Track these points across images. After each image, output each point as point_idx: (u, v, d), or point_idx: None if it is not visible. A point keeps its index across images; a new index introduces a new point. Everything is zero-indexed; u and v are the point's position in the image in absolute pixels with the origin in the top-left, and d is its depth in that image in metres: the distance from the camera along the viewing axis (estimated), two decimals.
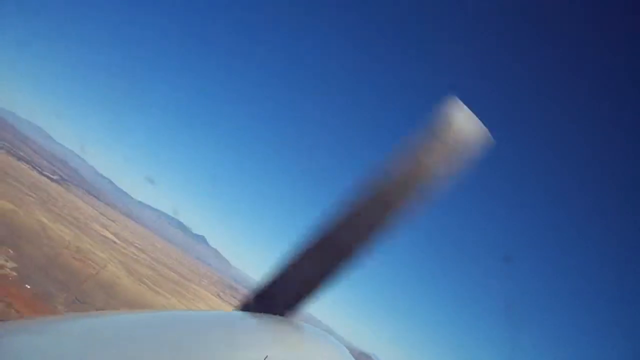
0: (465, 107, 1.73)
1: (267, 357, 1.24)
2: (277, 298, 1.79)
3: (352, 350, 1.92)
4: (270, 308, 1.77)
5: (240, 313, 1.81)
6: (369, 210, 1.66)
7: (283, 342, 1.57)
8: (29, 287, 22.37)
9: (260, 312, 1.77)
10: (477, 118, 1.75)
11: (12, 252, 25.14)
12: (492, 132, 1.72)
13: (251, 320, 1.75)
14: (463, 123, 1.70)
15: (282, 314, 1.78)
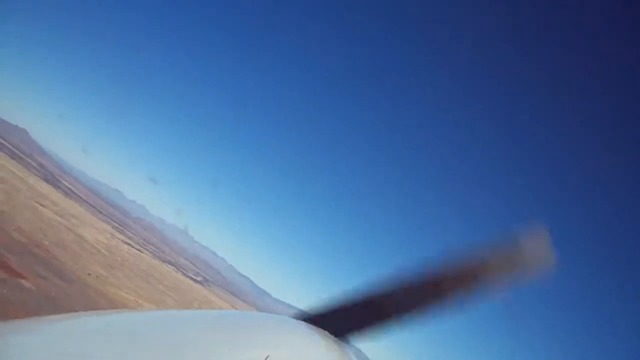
0: (546, 235, 1.98)
1: (268, 356, 1.28)
2: (339, 320, 1.95)
3: (351, 348, 2.05)
4: (328, 326, 1.92)
5: (244, 312, 2.12)
6: (433, 285, 1.93)
7: (285, 342, 1.61)
8: None
9: (320, 326, 1.89)
10: (551, 247, 1.98)
11: None
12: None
13: (253, 320, 1.84)
14: (538, 249, 1.95)
15: (337, 335, 1.91)
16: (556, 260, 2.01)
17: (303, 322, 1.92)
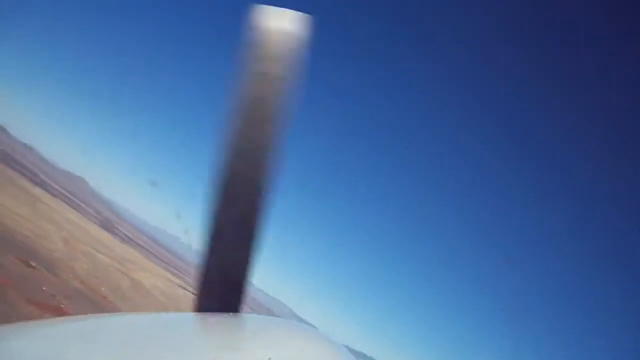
0: (274, 8, 1.82)
1: (270, 359, 1.29)
2: (220, 288, 1.80)
3: (353, 352, 1.96)
4: (217, 300, 1.78)
5: (245, 315, 1.87)
6: (245, 145, 1.72)
7: (285, 344, 1.62)
8: None
9: (212, 309, 1.77)
10: (291, 11, 1.81)
11: None
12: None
13: (253, 323, 1.87)
14: (280, 22, 1.79)
15: (234, 309, 1.81)
16: (307, 18, 1.81)
17: (304, 325, 1.91)
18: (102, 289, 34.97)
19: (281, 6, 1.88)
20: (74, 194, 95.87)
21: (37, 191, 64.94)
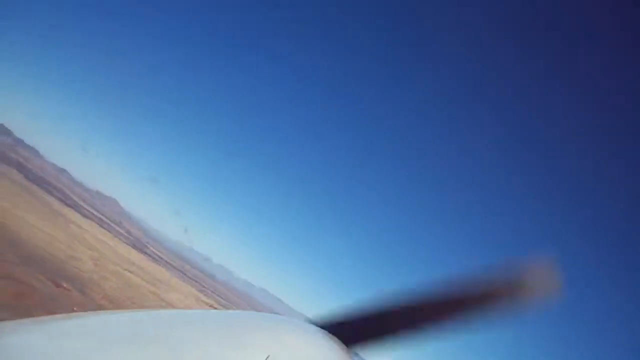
0: (554, 265, 2.06)
1: (269, 357, 1.33)
2: (351, 331, 2.04)
3: (356, 355, 2.13)
4: (340, 335, 2.00)
5: (244, 312, 1.96)
6: (446, 304, 2.04)
7: (285, 342, 1.64)
8: None
9: (333, 333, 1.98)
10: (559, 277, 2.05)
11: None
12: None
13: (253, 320, 1.88)
14: (545, 279, 2.03)
15: (348, 344, 2.00)
16: (562, 289, 2.05)
17: (305, 323, 1.99)
18: (133, 308, 34.86)
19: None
20: (105, 214, 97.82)
21: (69, 212, 66.50)
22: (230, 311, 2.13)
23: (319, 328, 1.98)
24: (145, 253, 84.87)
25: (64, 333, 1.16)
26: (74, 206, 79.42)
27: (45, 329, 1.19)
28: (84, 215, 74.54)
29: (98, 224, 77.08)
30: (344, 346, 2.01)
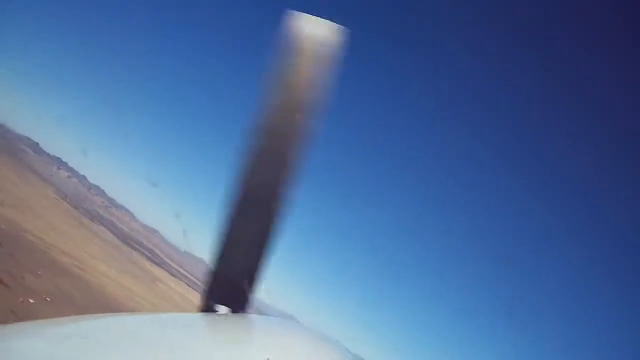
0: (308, 16, 1.90)
1: (268, 359, 1.34)
2: (228, 289, 1.89)
3: (354, 355, 2.08)
4: (227, 301, 1.89)
5: (244, 315, 1.95)
6: (269, 152, 1.80)
7: (284, 345, 1.69)
8: None
9: (216, 309, 1.89)
10: (325, 20, 1.91)
11: None
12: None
13: (252, 323, 1.94)
14: (313, 30, 1.87)
15: (239, 309, 1.90)
16: (342, 29, 1.90)
17: (303, 325, 1.99)
18: None
19: (314, 15, 1.91)
20: (194, 274, 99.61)
21: (158, 271, 68.09)
22: (230, 315, 1.93)
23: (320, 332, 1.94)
24: (170, 272, 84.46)
25: (65, 337, 1.19)
26: (163, 265, 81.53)
27: (45, 333, 1.21)
28: (173, 275, 75.81)
29: (186, 283, 78.08)
30: (343, 346, 1.99)
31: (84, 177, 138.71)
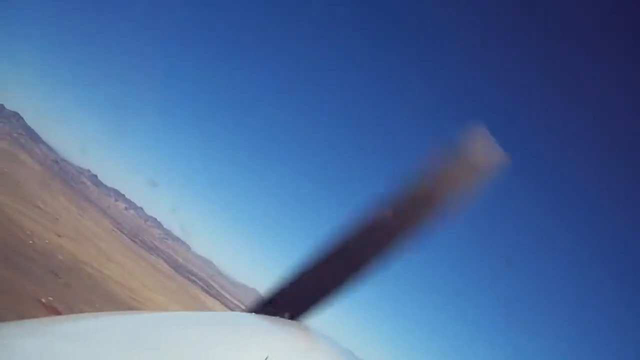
0: (487, 132, 2.00)
1: (267, 358, 1.37)
2: (288, 303, 2.01)
3: (354, 354, 2.14)
4: (280, 312, 1.99)
5: (243, 314, 2.04)
6: (388, 223, 1.90)
7: (284, 343, 1.72)
8: None
9: (268, 314, 1.99)
10: (497, 144, 2.01)
11: None
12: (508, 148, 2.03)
13: (252, 322, 1.97)
14: (484, 147, 1.99)
15: (294, 318, 2.00)
16: (506, 156, 2.02)
17: (300, 323, 2.00)
18: None
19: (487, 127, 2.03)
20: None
21: (212, 302, 68.53)
22: (228, 313, 2.22)
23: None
24: (212, 294, 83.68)
25: (64, 335, 1.20)
26: (217, 296, 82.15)
27: (45, 331, 1.22)
28: (227, 306, 76.05)
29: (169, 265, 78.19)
30: (342, 346, 2.01)
31: (140, 208, 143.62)
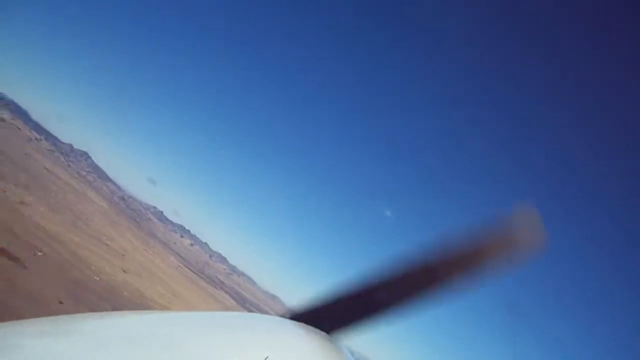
0: (537, 213, 2.13)
1: (267, 357, 1.40)
2: (329, 317, 2.11)
3: (353, 353, 2.21)
4: (319, 323, 2.08)
5: (244, 314, 2.14)
6: (432, 270, 2.07)
7: (284, 343, 1.75)
8: None
9: (307, 323, 2.06)
10: (543, 226, 2.16)
11: None
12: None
13: (252, 321, 2.00)
14: (531, 228, 2.11)
15: (327, 332, 2.09)
16: (547, 239, 2.13)
17: (300, 323, 2.04)
18: None
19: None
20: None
21: None
22: (230, 312, 2.03)
23: (308, 324, 2.04)
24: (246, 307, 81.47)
25: (64, 334, 1.22)
26: None
27: (46, 330, 1.24)
28: None
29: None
30: (342, 346, 2.10)
31: (205, 244, 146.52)
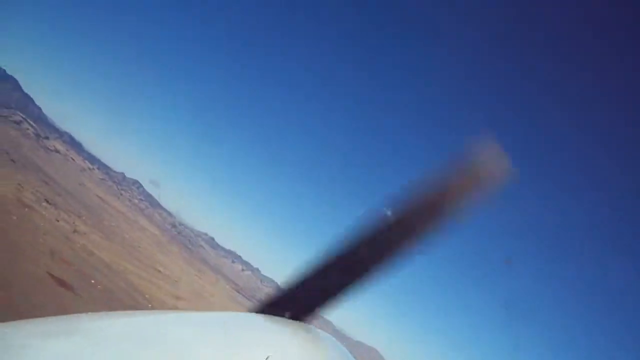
0: (498, 145, 2.10)
1: (268, 357, 1.39)
2: (295, 302, 2.07)
3: (359, 344, 3.35)
4: (287, 311, 2.06)
5: (244, 314, 2.08)
6: (395, 228, 1.99)
7: (285, 343, 1.74)
8: None
9: (275, 314, 2.05)
10: (507, 157, 2.12)
11: None
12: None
13: (253, 321, 1.99)
14: (493, 160, 2.08)
15: (297, 318, 2.05)
16: (512, 169, 2.13)
17: (302, 323, 2.04)
18: None
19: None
20: None
21: None
22: (229, 312, 2.04)
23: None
24: None
25: (63, 334, 1.23)
26: None
27: (49, 330, 1.25)
28: None
29: None
30: (342, 346, 2.14)
31: (257, 269, 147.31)
